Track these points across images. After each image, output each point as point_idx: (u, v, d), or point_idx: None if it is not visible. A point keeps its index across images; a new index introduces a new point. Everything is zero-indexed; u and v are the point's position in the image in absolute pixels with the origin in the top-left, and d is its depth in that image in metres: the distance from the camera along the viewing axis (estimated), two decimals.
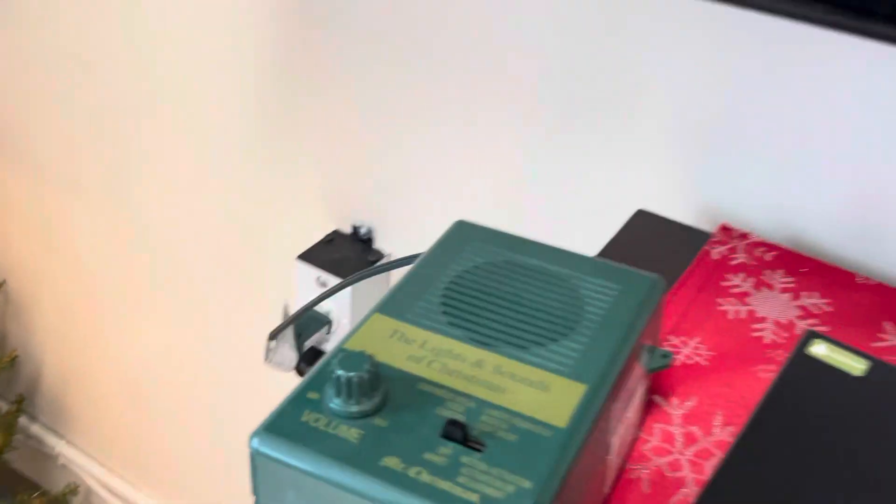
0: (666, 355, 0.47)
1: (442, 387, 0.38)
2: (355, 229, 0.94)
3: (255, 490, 0.37)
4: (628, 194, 0.73)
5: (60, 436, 1.56)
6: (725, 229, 0.66)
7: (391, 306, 0.43)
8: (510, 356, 0.40)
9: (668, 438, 0.49)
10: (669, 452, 0.48)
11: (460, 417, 0.37)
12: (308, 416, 0.37)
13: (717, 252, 0.63)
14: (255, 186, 1.00)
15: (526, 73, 0.75)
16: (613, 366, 0.40)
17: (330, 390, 0.37)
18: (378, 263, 0.93)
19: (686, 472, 0.47)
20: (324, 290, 0.83)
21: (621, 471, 0.47)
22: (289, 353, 0.86)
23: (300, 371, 0.94)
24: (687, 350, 0.55)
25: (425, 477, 0.34)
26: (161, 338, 1.25)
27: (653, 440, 0.49)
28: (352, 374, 0.36)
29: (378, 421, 0.37)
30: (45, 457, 1.58)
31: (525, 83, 0.76)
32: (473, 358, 0.40)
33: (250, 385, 1.15)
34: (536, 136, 0.77)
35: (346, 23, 0.84)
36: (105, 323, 1.32)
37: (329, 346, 0.94)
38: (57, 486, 1.52)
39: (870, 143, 0.62)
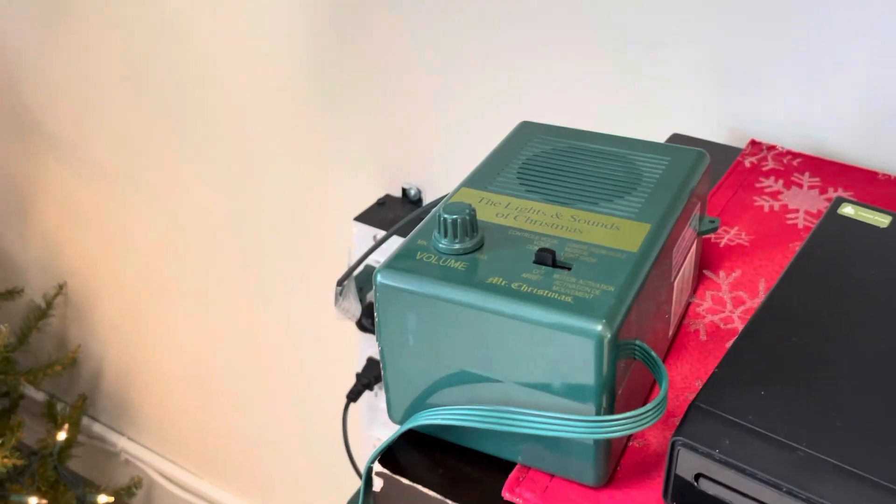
0: (713, 221, 0.54)
1: (528, 231, 0.45)
2: (405, 191, 1.02)
3: (379, 322, 0.44)
4: (662, 122, 0.79)
5: (121, 433, 1.62)
6: (755, 143, 0.72)
7: (474, 181, 0.50)
8: (583, 209, 0.47)
9: (719, 301, 0.56)
10: (721, 311, 0.55)
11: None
12: (420, 256, 0.44)
13: (748, 161, 0.70)
14: (308, 158, 1.08)
15: (557, 19, 0.83)
16: (671, 211, 0.47)
17: (436, 234, 0.44)
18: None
19: (737, 325, 0.54)
20: (381, 246, 0.90)
21: (679, 325, 0.53)
22: (353, 304, 0.93)
23: (362, 325, 1.01)
24: (729, 235, 0.62)
25: (525, 288, 0.41)
26: (222, 324, 1.31)
27: (705, 303, 0.56)
28: (456, 216, 0.43)
29: (479, 255, 0.44)
30: (108, 455, 1.65)
31: (559, 27, 0.83)
32: (551, 212, 0.47)
33: (318, 364, 1.22)
34: (577, 78, 0.85)
35: None
36: (166, 316, 1.39)
37: None
38: (120, 482, 1.58)
39: (886, 59, 0.68)
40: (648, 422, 0.40)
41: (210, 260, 1.26)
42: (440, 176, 1.00)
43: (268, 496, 1.45)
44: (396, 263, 0.43)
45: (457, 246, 0.44)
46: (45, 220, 1.47)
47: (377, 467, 0.46)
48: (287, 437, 1.34)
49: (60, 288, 1.52)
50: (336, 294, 0.91)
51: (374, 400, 1.08)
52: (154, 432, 1.57)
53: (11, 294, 1.52)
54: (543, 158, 0.52)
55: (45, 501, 1.35)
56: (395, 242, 0.96)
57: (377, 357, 1.05)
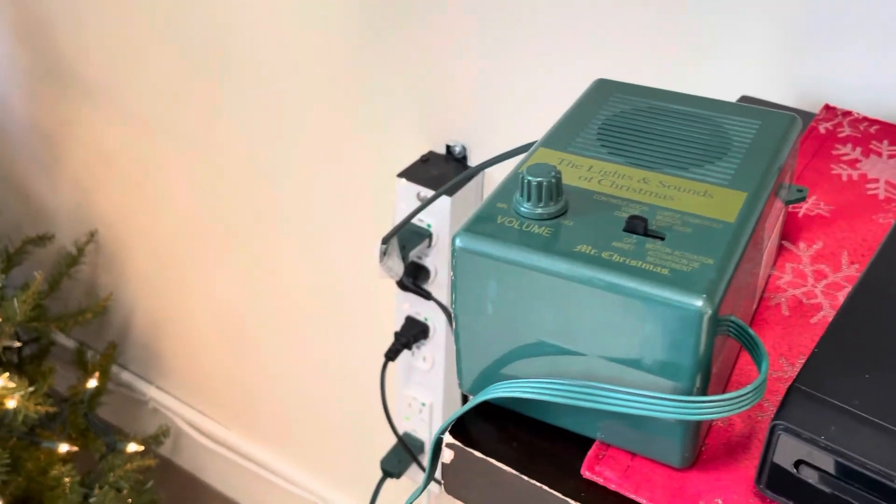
0: (801, 190, 0.51)
1: (615, 197, 0.43)
2: (449, 148, 0.99)
3: (456, 287, 0.42)
4: (732, 84, 0.76)
5: (150, 381, 1.62)
6: (829, 108, 0.69)
7: (553, 141, 0.47)
8: (672, 174, 0.44)
9: (800, 275, 0.53)
10: (803, 285, 0.52)
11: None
12: (501, 220, 0.41)
13: (823, 127, 0.67)
14: (349, 109, 1.05)
15: None
16: (766, 179, 0.44)
17: (518, 197, 0.41)
18: (473, 169, 0.97)
19: (821, 300, 0.51)
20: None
21: (760, 299, 0.51)
22: (397, 262, 0.91)
23: (403, 285, 0.99)
24: (807, 205, 0.59)
25: (617, 258, 0.39)
26: (257, 276, 1.30)
27: (785, 276, 0.53)
28: (540, 178, 0.41)
29: (564, 221, 0.41)
30: (136, 403, 1.65)
31: None
32: (638, 177, 0.44)
33: (355, 321, 1.20)
34: (634, 33, 0.81)
35: None
36: (199, 266, 1.38)
37: (429, 260, 0.99)
38: (148, 430, 1.59)
39: None
40: (747, 404, 0.38)
41: (246, 210, 1.24)
42: (485, 134, 0.97)
43: (297, 450, 1.45)
44: (476, 227, 0.41)
45: (540, 210, 0.41)
46: (77, 166, 1.45)
47: (447, 438, 0.44)
48: (319, 392, 1.33)
49: (92, 235, 1.51)
50: (380, 252, 0.88)
51: (411, 359, 1.07)
52: (183, 382, 1.57)
53: (42, 240, 1.50)
54: (625, 119, 0.49)
55: (75, 448, 1.35)
56: (444, 202, 0.93)
57: (416, 317, 1.03)
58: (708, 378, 0.39)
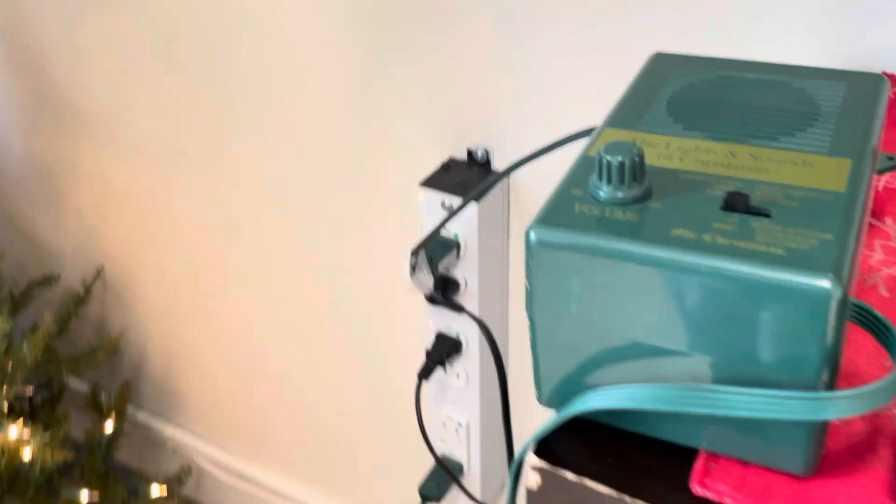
0: (892, 157, 0.46)
1: (703, 174, 0.38)
2: (471, 153, 0.94)
3: (532, 288, 0.37)
4: (778, 49, 0.71)
5: (168, 419, 1.57)
6: (887, 76, 0.64)
7: (619, 119, 0.43)
8: (761, 145, 0.39)
9: (891, 252, 0.48)
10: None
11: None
12: (579, 208, 0.36)
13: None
14: (364, 120, 1.00)
15: None
16: (868, 143, 0.39)
17: (597, 181, 0.37)
18: (501, 173, 0.93)
19: None
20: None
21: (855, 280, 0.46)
22: (426, 276, 0.86)
23: (432, 299, 0.94)
24: (885, 178, 0.54)
25: (722, 240, 0.34)
26: (273, 301, 1.25)
27: (876, 254, 0.48)
28: (622, 157, 0.36)
29: (651, 204, 0.36)
30: (154, 443, 1.59)
31: None
32: (723, 151, 0.39)
33: (382, 340, 1.15)
34: (659, 26, 0.77)
35: None
36: (212, 294, 1.33)
37: (458, 271, 0.94)
38: (169, 471, 1.53)
39: None
40: (884, 400, 0.33)
41: (258, 235, 1.19)
42: (508, 135, 0.92)
43: (328, 481, 1.39)
44: (552, 217, 0.36)
45: (623, 194, 0.36)
46: (80, 201, 1.41)
47: (531, 460, 0.39)
48: (347, 418, 1.28)
49: (98, 272, 1.46)
50: (409, 265, 0.84)
51: (444, 377, 1.01)
52: (202, 418, 1.51)
53: (48, 281, 1.45)
54: (695, 91, 0.44)
55: (96, 496, 1.30)
56: (470, 210, 0.88)
57: (447, 332, 0.98)
58: (837, 371, 0.34)
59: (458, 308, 0.93)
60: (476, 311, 0.94)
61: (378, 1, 0.92)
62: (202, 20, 1.07)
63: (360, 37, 0.95)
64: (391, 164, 1.00)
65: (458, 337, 0.98)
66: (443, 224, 0.77)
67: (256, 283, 1.25)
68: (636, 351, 0.36)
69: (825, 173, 0.37)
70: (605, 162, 0.36)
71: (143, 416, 1.59)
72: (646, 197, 0.37)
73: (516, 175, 0.93)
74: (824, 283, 0.32)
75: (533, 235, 0.36)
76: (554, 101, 0.86)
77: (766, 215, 0.35)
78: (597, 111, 0.82)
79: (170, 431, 1.56)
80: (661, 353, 0.36)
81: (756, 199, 0.36)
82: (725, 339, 0.34)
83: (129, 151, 1.27)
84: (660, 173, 0.38)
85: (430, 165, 0.96)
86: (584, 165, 0.39)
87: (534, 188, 0.93)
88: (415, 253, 0.82)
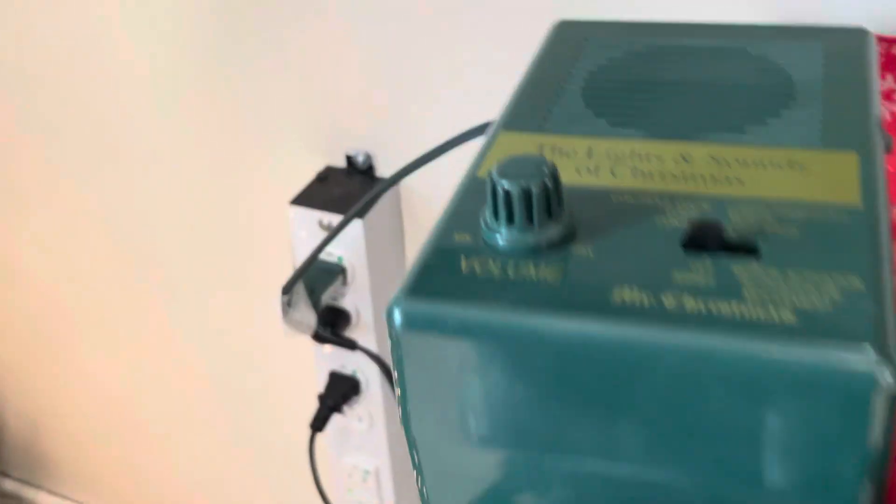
0: (886, 136, 0.35)
1: (647, 193, 0.25)
2: (350, 159, 0.81)
3: (405, 391, 0.24)
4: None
5: (38, 486, 1.39)
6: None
7: (518, 120, 0.30)
8: (725, 142, 0.27)
9: None
10: None
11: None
12: (468, 264, 0.23)
13: None
14: (216, 136, 0.85)
15: None
16: (871, 125, 0.27)
17: (491, 220, 0.24)
18: (386, 181, 0.79)
19: None
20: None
21: None
22: (306, 313, 0.73)
23: (319, 337, 0.80)
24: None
25: (692, 304, 0.21)
26: (141, 351, 1.09)
27: None
28: (525, 183, 0.23)
29: (578, 249, 0.23)
30: None
31: None
32: (672, 154, 0.27)
33: (264, 388, 1.01)
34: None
35: None
36: (70, 349, 1.16)
37: (347, 300, 0.80)
38: None
39: None
40: None
41: (113, 279, 1.03)
42: (392, 136, 0.78)
43: None
44: (427, 284, 0.23)
45: (531, 238, 0.23)
46: None
47: None
48: (239, 480, 1.13)
49: None
50: (283, 305, 0.70)
51: (344, 421, 0.88)
52: (76, 482, 1.34)
53: None
54: (619, 70, 0.32)
55: None
56: (355, 228, 0.75)
57: (342, 371, 0.85)
58: (883, 489, 0.22)
59: (351, 345, 0.79)
60: (373, 346, 0.81)
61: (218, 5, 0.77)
62: (8, 44, 0.90)
63: (203, 43, 0.80)
64: (258, 184, 0.86)
65: (354, 375, 0.85)
66: (319, 251, 0.63)
67: (118, 331, 1.09)
68: (573, 482, 0.23)
69: (824, 177, 0.25)
70: (500, 191, 0.23)
71: (10, 485, 1.41)
72: (567, 238, 0.24)
73: (407, 183, 0.80)
74: (864, 364, 0.19)
75: (398, 316, 0.23)
76: (444, 90, 0.73)
77: (753, 253, 0.23)
78: (497, 103, 0.69)
79: (42, 498, 1.39)
80: (605, 485, 0.23)
81: (733, 227, 0.23)
82: (708, 457, 0.22)
83: None
84: (584, 197, 0.25)
85: (305, 178, 0.82)
86: (471, 194, 0.26)
87: (429, 197, 0.80)
88: (287, 289, 0.68)
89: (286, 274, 0.77)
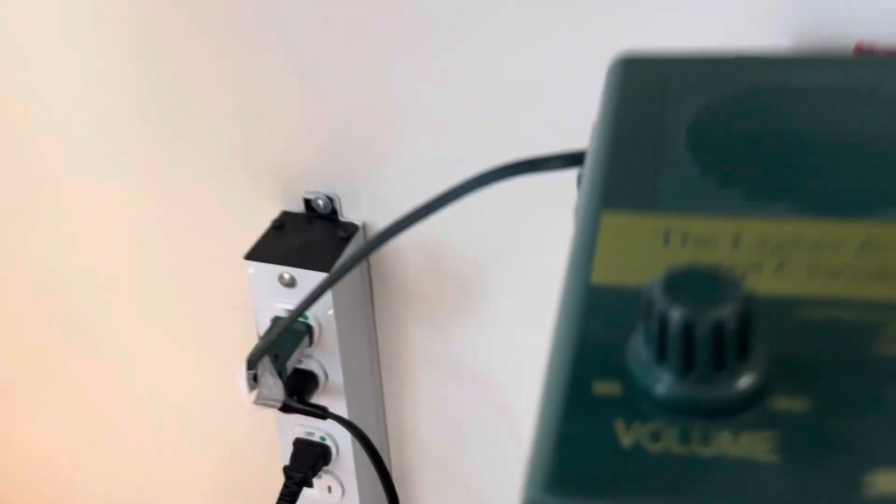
0: None
1: (844, 302, 0.18)
2: (308, 203, 0.72)
3: None
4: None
5: None
6: (860, 50, 0.48)
7: (620, 196, 0.22)
8: None
9: None
10: None
11: None
12: (629, 435, 0.16)
13: None
14: (163, 189, 0.76)
15: None
16: None
17: (649, 362, 0.16)
18: (365, 247, 0.72)
19: None
20: (292, 289, 0.63)
21: None
22: (273, 386, 0.64)
23: (287, 407, 0.72)
24: None
25: None
26: (87, 421, 0.99)
27: None
28: (717, 314, 0.15)
29: (782, 403, 0.16)
30: None
31: None
32: (855, 239, 0.20)
33: (222, 467, 0.92)
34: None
35: None
36: (13, 423, 1.05)
37: (314, 362, 0.72)
38: None
39: None
40: None
41: (51, 350, 0.93)
42: (357, 176, 0.70)
43: None
44: (573, 471, 0.15)
45: (724, 391, 0.16)
46: None
47: None
48: None
49: None
50: (248, 381, 0.61)
51: (313, 494, 0.79)
52: None
53: None
54: (727, 119, 0.25)
55: None
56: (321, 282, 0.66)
57: (309, 437, 0.76)
58: None
59: (321, 414, 0.71)
60: (344, 411, 0.73)
61: (145, 19, 0.68)
62: None
63: (122, 74, 0.71)
64: (207, 237, 0.76)
65: (324, 441, 0.76)
66: (292, 321, 0.56)
67: (65, 411, 0.98)
68: None
69: None
70: (674, 324, 0.16)
71: None
72: (767, 387, 0.16)
73: (371, 224, 0.72)
74: None
75: None
76: (419, 119, 0.66)
77: None
78: (488, 138, 0.61)
79: None
80: None
81: None
82: None
83: None
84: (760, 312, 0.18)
85: (259, 227, 0.73)
86: (594, 313, 0.18)
87: (395, 244, 0.72)
88: (251, 364, 0.60)
89: (245, 334, 0.69)
